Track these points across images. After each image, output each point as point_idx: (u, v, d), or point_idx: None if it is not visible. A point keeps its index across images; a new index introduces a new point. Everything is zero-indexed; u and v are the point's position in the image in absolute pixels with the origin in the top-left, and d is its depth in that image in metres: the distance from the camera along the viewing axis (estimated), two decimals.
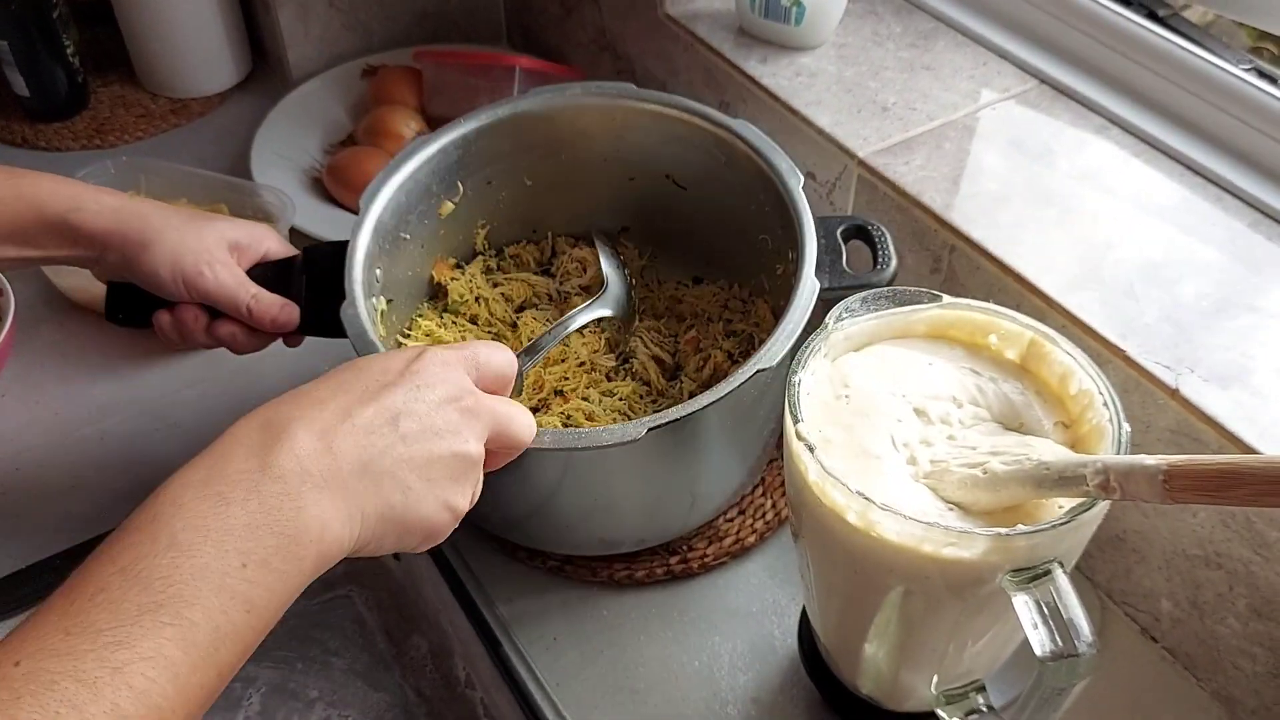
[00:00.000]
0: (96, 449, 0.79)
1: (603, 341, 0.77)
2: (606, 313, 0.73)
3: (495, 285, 0.81)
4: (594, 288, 0.79)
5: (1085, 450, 0.53)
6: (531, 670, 0.66)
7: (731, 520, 0.75)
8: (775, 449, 0.74)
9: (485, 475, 0.52)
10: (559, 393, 0.73)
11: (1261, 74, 0.76)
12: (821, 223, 0.68)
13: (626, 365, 0.76)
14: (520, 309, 0.81)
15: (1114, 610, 0.71)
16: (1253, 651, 0.63)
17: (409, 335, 0.76)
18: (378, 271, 0.70)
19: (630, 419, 0.66)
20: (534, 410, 0.72)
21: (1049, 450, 0.51)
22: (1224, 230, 0.71)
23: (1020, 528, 0.48)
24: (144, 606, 0.38)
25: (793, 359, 0.55)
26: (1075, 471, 0.47)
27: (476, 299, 0.79)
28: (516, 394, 0.59)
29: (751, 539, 0.74)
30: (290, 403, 0.47)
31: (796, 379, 0.54)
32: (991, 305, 0.57)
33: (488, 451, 0.51)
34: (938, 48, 0.87)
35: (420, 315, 0.78)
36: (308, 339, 0.71)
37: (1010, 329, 0.57)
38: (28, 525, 0.73)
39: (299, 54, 1.11)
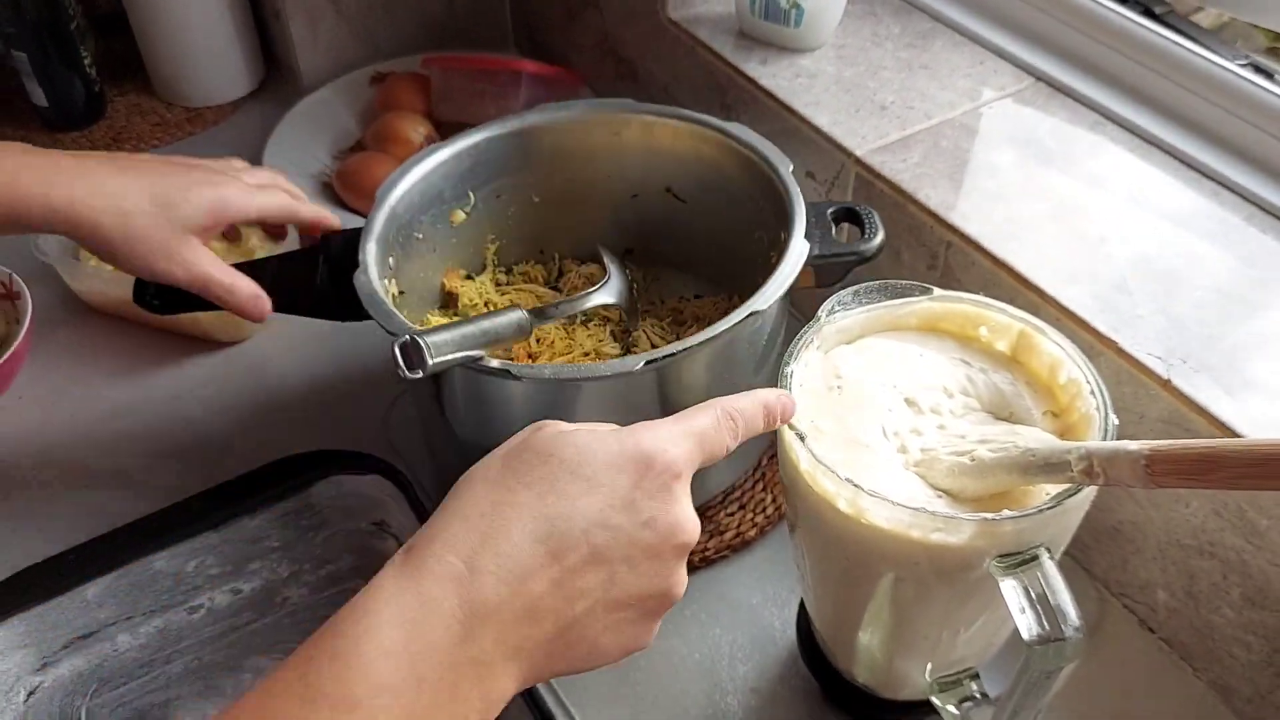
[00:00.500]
0: (111, 447, 0.80)
1: (607, 333, 0.78)
2: (611, 299, 0.74)
3: (504, 294, 0.83)
4: None
5: (1073, 439, 0.53)
6: None
7: (732, 515, 0.76)
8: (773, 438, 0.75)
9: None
10: None
11: (1259, 69, 0.77)
12: (812, 206, 0.70)
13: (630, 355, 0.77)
14: None
15: (1112, 602, 0.72)
16: (1247, 640, 0.64)
17: None
18: (391, 260, 0.72)
19: None
20: None
21: (1036, 438, 0.52)
22: (1219, 224, 0.72)
23: (1006, 513, 0.48)
24: None
25: (785, 352, 0.56)
26: (1060, 458, 0.48)
27: (485, 304, 0.81)
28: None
29: (752, 533, 0.75)
30: (487, 541, 0.42)
31: (788, 370, 0.55)
32: (982, 298, 0.58)
33: None
34: (935, 47, 0.88)
35: (430, 317, 0.79)
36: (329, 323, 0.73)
37: (1000, 320, 0.58)
38: (46, 520, 0.74)
39: (309, 63, 1.13)
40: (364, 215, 0.73)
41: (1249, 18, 0.76)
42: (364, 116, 1.08)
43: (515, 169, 0.81)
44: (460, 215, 0.80)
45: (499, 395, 0.66)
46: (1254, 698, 0.65)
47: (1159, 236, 0.71)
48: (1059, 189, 0.75)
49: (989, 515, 0.48)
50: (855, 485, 0.49)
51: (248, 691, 0.39)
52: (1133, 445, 0.45)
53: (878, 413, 0.55)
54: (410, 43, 1.16)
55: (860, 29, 0.90)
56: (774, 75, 0.86)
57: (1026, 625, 0.48)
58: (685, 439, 0.47)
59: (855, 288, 0.59)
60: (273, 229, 0.85)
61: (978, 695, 0.58)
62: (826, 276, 0.70)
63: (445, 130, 1.01)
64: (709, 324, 0.78)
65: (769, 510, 0.76)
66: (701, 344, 0.63)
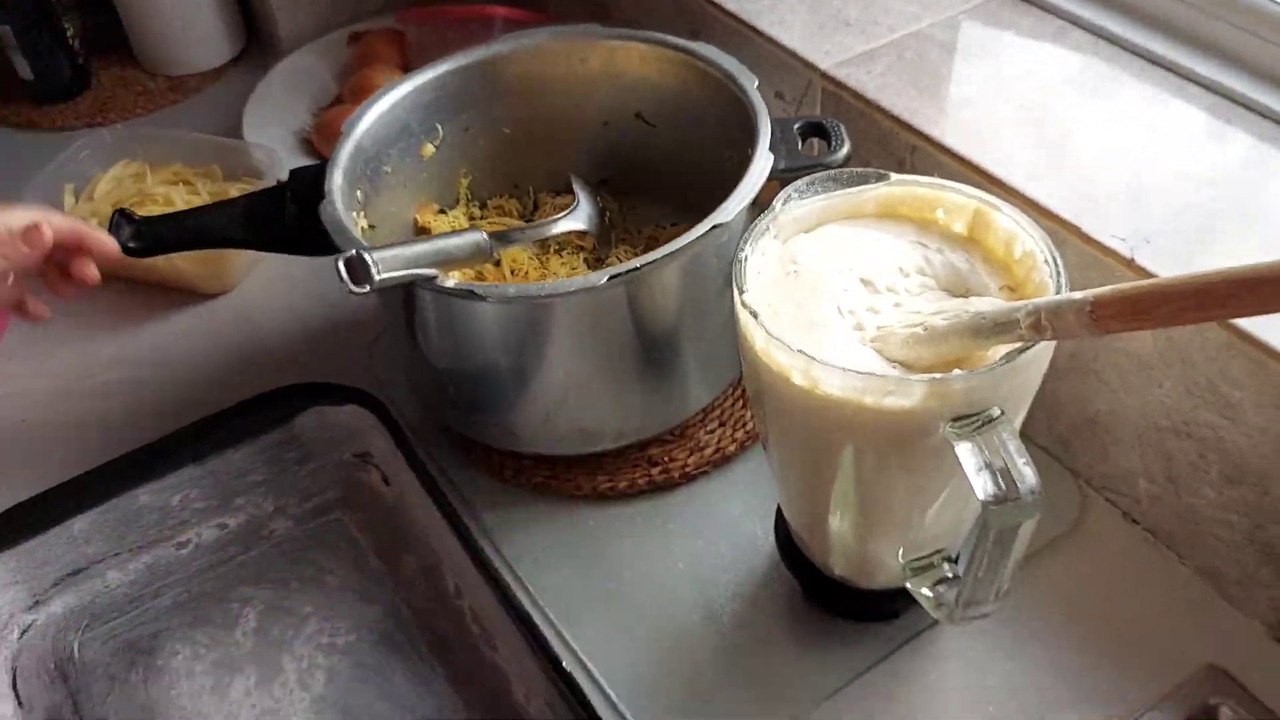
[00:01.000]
0: (99, 397, 0.81)
1: (581, 261, 0.78)
2: (581, 226, 0.75)
3: (476, 228, 0.83)
4: None
5: None
6: (519, 579, 0.68)
7: (712, 432, 0.76)
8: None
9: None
10: None
11: None
12: (778, 122, 0.70)
13: None
14: None
15: (1094, 497, 0.72)
16: (1229, 519, 0.64)
17: None
18: (359, 193, 0.73)
19: None
20: None
21: (987, 304, 0.52)
22: (1185, 116, 0.72)
23: (956, 372, 0.49)
24: None
25: (740, 240, 0.57)
26: (1008, 316, 0.48)
27: None
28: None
29: (732, 448, 0.75)
30: None
31: (743, 255, 0.55)
32: (938, 179, 0.58)
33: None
34: None
35: None
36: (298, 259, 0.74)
37: (956, 200, 0.58)
38: (37, 461, 0.75)
39: (289, 27, 1.14)
40: None
41: None
42: (342, 75, 1.09)
43: (482, 101, 0.81)
44: (429, 149, 0.80)
45: (467, 318, 0.66)
46: (1242, 579, 0.65)
47: (1124, 131, 0.71)
48: (1025, 94, 0.75)
49: (938, 375, 0.48)
50: (807, 356, 0.49)
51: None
52: (1076, 295, 0.45)
53: (834, 294, 0.55)
54: (389, 4, 1.17)
55: None
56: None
57: (982, 486, 0.48)
58: None
59: (811, 177, 0.59)
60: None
61: (949, 575, 0.58)
62: None
63: None
64: None
65: (748, 426, 0.77)
66: (666, 257, 0.63)
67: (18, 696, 0.63)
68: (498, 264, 0.77)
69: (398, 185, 0.79)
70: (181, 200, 0.91)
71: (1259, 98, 0.71)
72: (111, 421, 0.78)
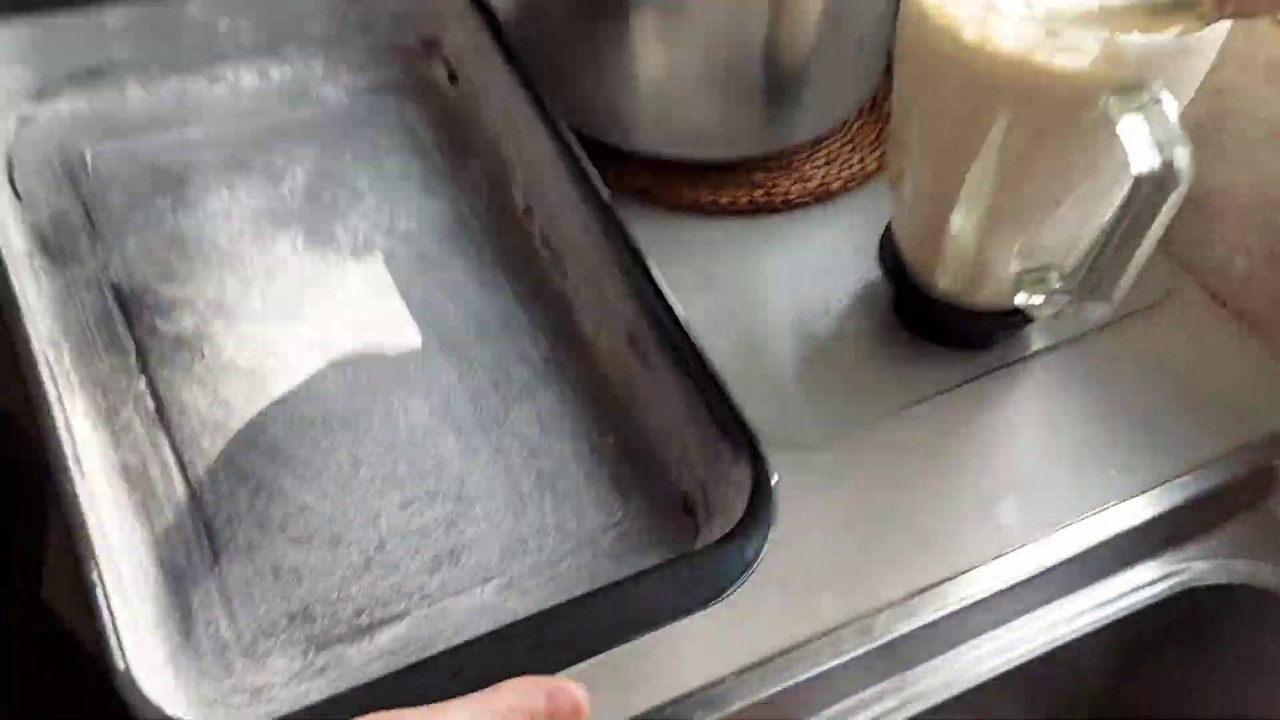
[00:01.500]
0: None
1: None
2: None
3: None
4: None
5: None
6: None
7: (818, 167, 0.77)
8: (885, 74, 0.77)
9: None
10: None
11: None
12: None
13: None
14: None
15: (1186, 279, 0.73)
16: None
17: None
18: None
19: None
20: None
21: None
22: None
23: (1133, 35, 0.49)
24: None
25: None
26: None
27: None
28: None
29: (836, 184, 0.76)
30: None
31: None
32: None
33: None
34: None
35: None
36: None
37: None
38: None
39: None
40: None
41: None
42: None
43: None
44: None
45: None
46: None
47: None
48: None
49: (1114, 35, 0.49)
50: (988, 2, 0.50)
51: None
52: None
53: None
54: None
55: None
56: None
57: (1140, 156, 0.49)
58: None
59: None
60: None
61: (1058, 286, 0.59)
62: None
63: None
64: None
65: (854, 168, 0.77)
66: None
67: (14, 188, 0.57)
68: None
69: None
70: None
71: None
72: None
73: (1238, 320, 0.70)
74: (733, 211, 0.75)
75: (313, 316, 0.57)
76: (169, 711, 0.39)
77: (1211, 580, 0.63)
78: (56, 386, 0.48)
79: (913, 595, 0.58)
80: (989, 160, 0.55)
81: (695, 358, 0.51)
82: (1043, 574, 0.60)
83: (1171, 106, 0.50)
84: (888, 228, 0.68)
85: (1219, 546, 0.64)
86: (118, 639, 0.40)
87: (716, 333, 0.67)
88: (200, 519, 0.49)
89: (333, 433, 0.53)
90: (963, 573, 0.59)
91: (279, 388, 0.54)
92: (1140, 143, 0.49)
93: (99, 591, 0.41)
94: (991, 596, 0.60)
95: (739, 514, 0.46)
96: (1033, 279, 0.60)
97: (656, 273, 0.54)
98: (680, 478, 0.53)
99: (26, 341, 0.47)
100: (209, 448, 0.51)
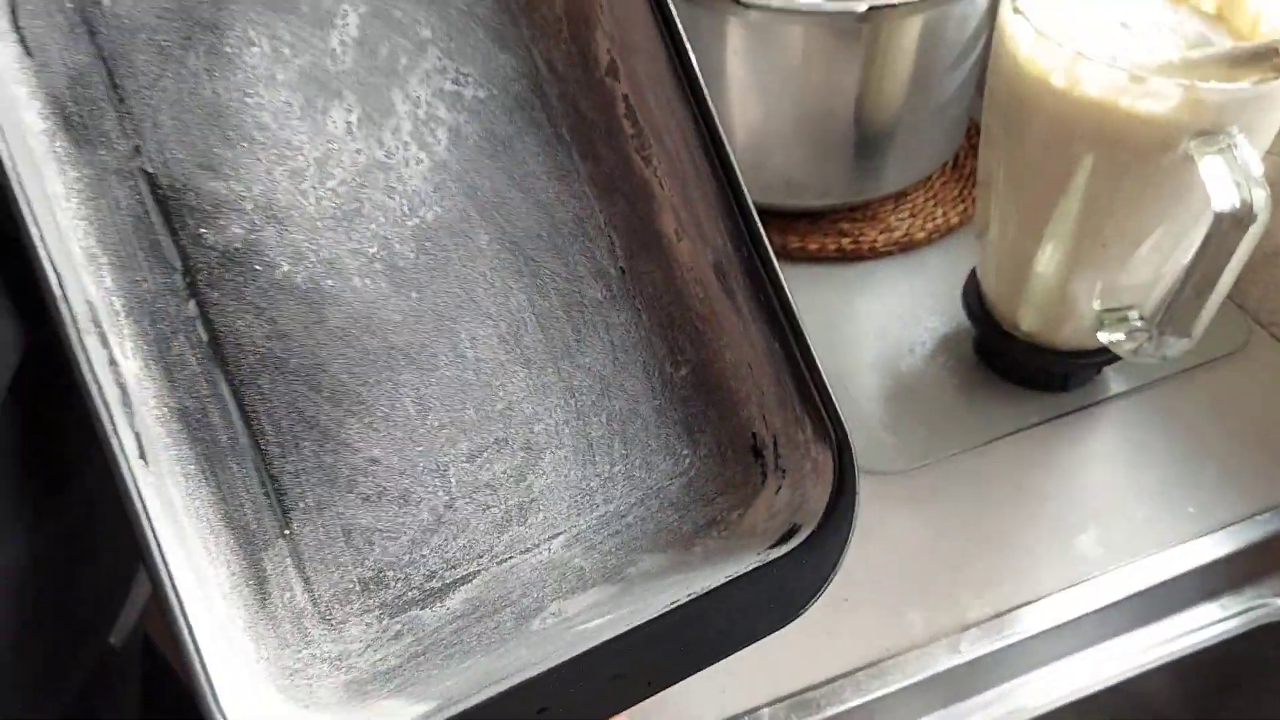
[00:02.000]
0: None
1: None
2: None
3: None
4: None
5: None
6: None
7: (902, 219, 0.81)
8: (965, 139, 0.81)
9: None
10: None
11: None
12: None
13: None
14: None
15: (1259, 332, 0.75)
16: None
17: None
18: None
19: None
20: None
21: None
22: None
23: (1212, 83, 0.53)
24: None
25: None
26: (1265, 46, 0.53)
27: None
28: None
29: (920, 235, 0.80)
30: None
31: None
32: None
33: None
34: None
35: None
36: None
37: None
38: None
39: None
40: None
41: None
42: None
43: None
44: None
45: (714, 28, 0.71)
46: None
47: None
48: None
49: (1194, 83, 0.53)
50: (1075, 51, 0.54)
51: None
52: None
53: (1090, 30, 0.60)
54: None
55: None
56: None
57: (1218, 194, 0.53)
58: None
59: None
60: None
61: (1140, 324, 0.63)
62: None
63: None
64: None
65: (938, 220, 0.81)
66: (920, 3, 0.68)
67: (22, 38, 0.48)
68: None
69: None
70: None
71: None
72: None
73: None
74: (821, 258, 0.79)
75: (373, 220, 0.51)
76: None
77: None
78: (99, 323, 0.45)
79: (997, 616, 0.61)
80: (1074, 201, 0.59)
81: (787, 311, 0.48)
82: (1120, 603, 0.63)
83: (1249, 150, 0.53)
84: (972, 273, 0.72)
85: None
86: (200, 659, 0.40)
87: None
88: (267, 474, 0.47)
89: (397, 370, 0.50)
90: (1043, 598, 0.62)
91: (339, 315, 0.49)
92: (1220, 183, 0.53)
93: (178, 615, 0.40)
94: (1070, 623, 0.62)
95: (816, 506, 0.47)
96: (1114, 317, 0.63)
97: (752, 207, 0.49)
98: (751, 417, 0.51)
99: (56, 277, 0.42)
100: (269, 389, 0.48)
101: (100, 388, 0.42)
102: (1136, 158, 0.56)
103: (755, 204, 0.53)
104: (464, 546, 0.49)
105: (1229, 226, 0.53)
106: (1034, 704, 0.62)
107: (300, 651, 0.46)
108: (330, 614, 0.47)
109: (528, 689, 0.42)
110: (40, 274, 0.41)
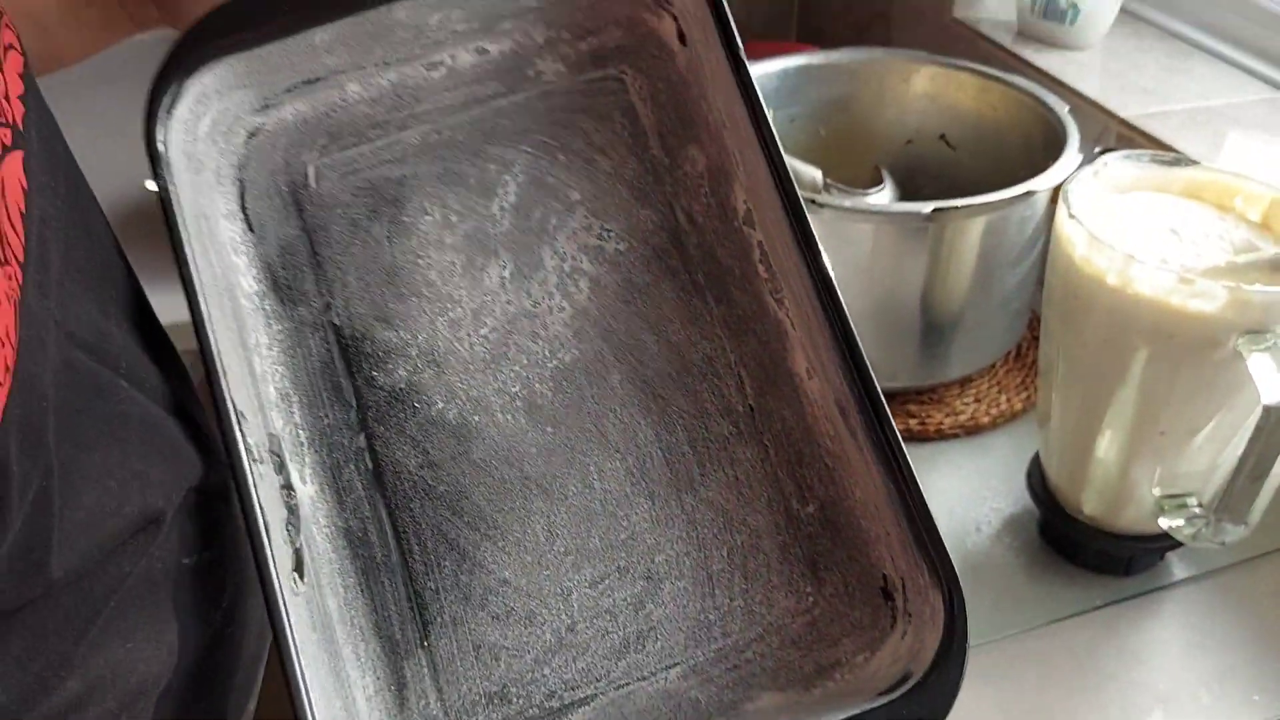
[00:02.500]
0: None
1: None
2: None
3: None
4: None
5: None
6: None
7: (967, 404, 0.85)
8: (1028, 329, 0.85)
9: None
10: None
11: None
12: (1084, 144, 0.80)
13: None
14: None
15: None
16: None
17: None
18: None
19: None
20: None
21: None
22: None
23: (1256, 285, 0.57)
24: None
25: (1066, 180, 0.67)
26: None
27: None
28: None
29: (985, 420, 0.84)
30: None
31: (1069, 186, 0.65)
32: (1240, 171, 0.67)
33: None
34: (1192, 63, 0.98)
35: None
36: None
37: (1255, 190, 0.66)
38: None
39: None
40: None
41: None
42: None
43: (811, 99, 0.94)
44: None
45: None
46: None
47: None
48: None
49: (1243, 285, 0.57)
50: (1127, 254, 0.59)
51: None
52: None
53: (1143, 233, 0.64)
54: None
55: (1125, 42, 1.02)
56: (1047, 60, 0.98)
57: (1268, 389, 0.56)
58: None
59: (1128, 151, 0.69)
60: None
61: (1198, 510, 0.65)
62: None
63: None
64: None
65: (1001, 406, 0.85)
66: (982, 205, 0.73)
67: (247, 217, 0.57)
68: None
69: None
70: None
71: None
72: None
73: None
74: None
75: (517, 362, 0.56)
76: None
77: None
78: (281, 454, 0.51)
79: None
80: (1130, 391, 0.63)
81: (900, 458, 0.48)
82: None
83: None
84: (1035, 457, 0.75)
85: None
86: None
87: None
88: (412, 589, 0.52)
89: (530, 499, 0.53)
90: None
91: (483, 448, 0.54)
92: (1269, 377, 0.56)
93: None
94: None
95: (929, 652, 0.47)
96: (1173, 504, 0.66)
97: (863, 350, 0.51)
98: (881, 558, 0.51)
99: (227, 413, 0.47)
100: (419, 512, 0.53)
101: (263, 510, 0.47)
102: (1188, 353, 0.59)
103: None
104: (583, 669, 0.51)
105: (1278, 420, 0.56)
106: None
107: None
108: None
109: None
110: (221, 410, 0.47)
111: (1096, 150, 0.80)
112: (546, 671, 0.51)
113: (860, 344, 0.51)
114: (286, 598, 0.46)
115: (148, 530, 0.49)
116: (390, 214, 0.58)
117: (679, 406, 0.55)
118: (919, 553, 0.48)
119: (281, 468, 0.51)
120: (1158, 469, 0.65)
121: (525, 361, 0.56)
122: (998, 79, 0.89)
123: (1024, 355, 0.90)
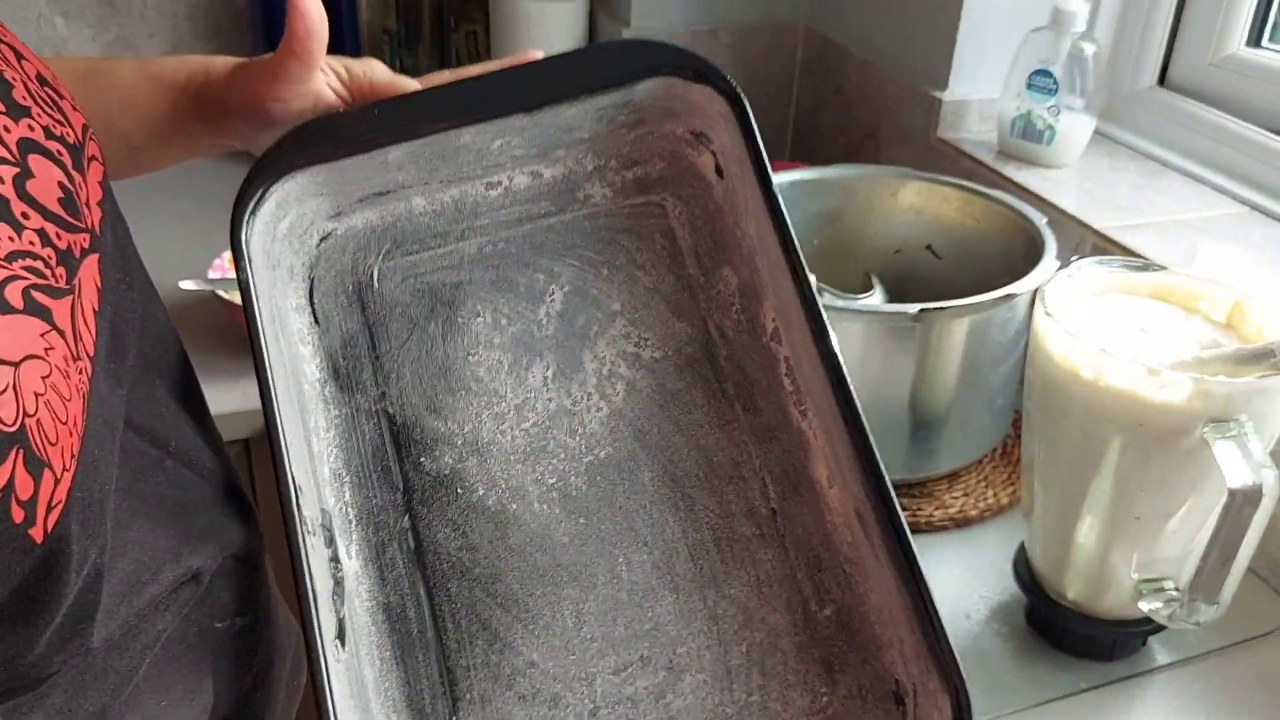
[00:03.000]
0: None
1: None
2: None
3: None
4: None
5: None
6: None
7: (956, 498, 0.89)
8: (1012, 428, 0.89)
9: None
10: None
11: None
12: (1061, 253, 0.86)
13: None
14: None
15: None
16: None
17: None
18: None
19: None
20: None
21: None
22: None
23: (1220, 378, 0.62)
24: None
25: (1042, 285, 0.72)
26: (1266, 348, 0.62)
27: None
28: None
29: (973, 513, 0.87)
30: None
31: (1045, 288, 0.70)
32: (1204, 275, 0.72)
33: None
34: (1163, 182, 1.05)
35: None
36: None
37: (1218, 293, 0.71)
38: None
39: None
40: None
41: None
42: None
43: (804, 211, 1.00)
44: None
45: None
46: None
47: None
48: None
49: (1206, 376, 0.61)
50: (1100, 349, 0.63)
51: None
52: None
53: (1114, 333, 0.69)
54: None
55: (1099, 162, 1.09)
56: (1026, 177, 1.04)
57: (1231, 473, 0.60)
58: None
59: (1099, 258, 0.74)
60: None
61: (1175, 592, 0.68)
62: None
63: None
64: None
65: (989, 500, 0.89)
66: (965, 306, 0.79)
67: (314, 311, 0.63)
68: None
69: None
70: None
71: None
72: None
73: None
74: None
75: (555, 455, 0.60)
76: None
77: None
78: (331, 529, 0.55)
79: None
80: (1106, 479, 0.67)
81: (913, 564, 0.52)
82: None
83: (1256, 436, 0.61)
84: (1021, 546, 0.79)
85: None
86: None
87: None
88: (444, 665, 0.55)
89: (561, 586, 0.57)
90: None
91: (519, 534, 0.58)
92: (1233, 463, 0.61)
93: None
94: None
95: None
96: (1151, 587, 0.69)
97: (881, 462, 0.55)
98: (894, 663, 0.54)
99: (287, 483, 0.52)
100: (455, 592, 0.56)
101: (312, 578, 0.50)
102: (1159, 441, 0.64)
103: None
104: None
105: (1242, 502, 0.60)
106: None
107: None
108: None
109: None
110: (282, 482, 0.52)
111: (1073, 258, 0.86)
112: None
113: (879, 456, 0.55)
114: (329, 662, 0.49)
115: (188, 585, 0.52)
116: (445, 314, 0.63)
117: (705, 506, 0.59)
118: (930, 658, 0.52)
119: (331, 542, 0.55)
120: (1135, 554, 0.69)
121: (563, 455, 0.60)
122: (980, 193, 0.95)
123: (1009, 452, 0.94)
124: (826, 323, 0.57)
